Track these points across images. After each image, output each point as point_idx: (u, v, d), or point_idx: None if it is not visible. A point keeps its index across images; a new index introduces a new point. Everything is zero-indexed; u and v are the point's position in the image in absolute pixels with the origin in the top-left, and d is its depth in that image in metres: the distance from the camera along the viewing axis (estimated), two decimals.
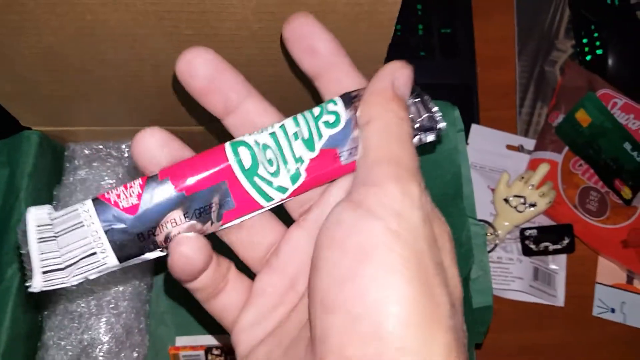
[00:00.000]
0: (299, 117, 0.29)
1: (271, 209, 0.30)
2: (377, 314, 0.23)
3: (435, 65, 0.79)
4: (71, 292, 0.53)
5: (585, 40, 0.79)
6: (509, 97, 0.81)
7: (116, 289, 0.54)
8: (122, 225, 0.27)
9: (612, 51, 0.78)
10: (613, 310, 0.74)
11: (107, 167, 0.56)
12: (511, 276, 0.72)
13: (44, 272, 0.27)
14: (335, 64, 0.30)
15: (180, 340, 0.62)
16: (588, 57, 0.79)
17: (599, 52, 0.78)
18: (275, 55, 0.42)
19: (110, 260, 0.27)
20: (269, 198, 0.29)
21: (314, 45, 0.29)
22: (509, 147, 0.77)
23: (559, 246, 0.73)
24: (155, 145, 0.29)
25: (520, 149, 0.77)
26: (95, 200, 0.27)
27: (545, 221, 0.75)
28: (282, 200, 0.29)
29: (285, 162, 0.28)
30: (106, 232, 0.27)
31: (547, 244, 0.72)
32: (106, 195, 0.27)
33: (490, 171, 0.76)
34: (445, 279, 0.25)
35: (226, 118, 0.31)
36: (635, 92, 0.78)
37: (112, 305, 0.54)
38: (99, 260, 0.27)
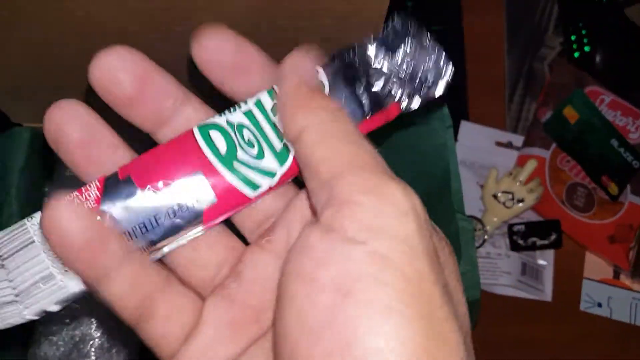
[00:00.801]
0: (276, 88, 0.24)
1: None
2: None
3: None
4: None
5: (573, 37, 0.80)
6: (498, 94, 0.81)
7: None
8: None
9: (600, 48, 0.79)
10: (600, 305, 0.75)
11: None
12: (499, 271, 0.73)
13: None
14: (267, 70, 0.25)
15: None
16: (576, 54, 0.80)
17: (586, 49, 0.79)
18: (266, 50, 0.43)
19: (70, 282, 0.22)
20: (254, 185, 0.24)
21: (243, 65, 0.25)
22: (498, 143, 0.78)
23: (546, 241, 0.73)
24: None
25: (509, 145, 0.78)
26: None
27: (533, 217, 0.75)
28: (271, 187, 0.24)
29: (267, 141, 0.24)
30: None
31: (534, 239, 0.73)
32: None
33: (479, 167, 0.76)
34: (454, 307, 0.19)
35: (159, 131, 0.25)
36: (623, 88, 0.79)
37: None
38: (57, 284, 0.22)
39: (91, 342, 0.53)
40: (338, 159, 0.20)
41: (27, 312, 0.22)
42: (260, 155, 0.24)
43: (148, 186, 0.23)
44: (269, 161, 0.24)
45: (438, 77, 0.25)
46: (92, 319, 0.53)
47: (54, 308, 0.22)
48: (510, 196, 0.72)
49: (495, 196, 0.73)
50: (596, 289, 0.75)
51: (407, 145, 0.54)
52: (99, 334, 0.53)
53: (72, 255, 0.21)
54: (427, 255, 0.19)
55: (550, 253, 0.75)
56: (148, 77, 0.24)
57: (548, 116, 0.77)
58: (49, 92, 0.49)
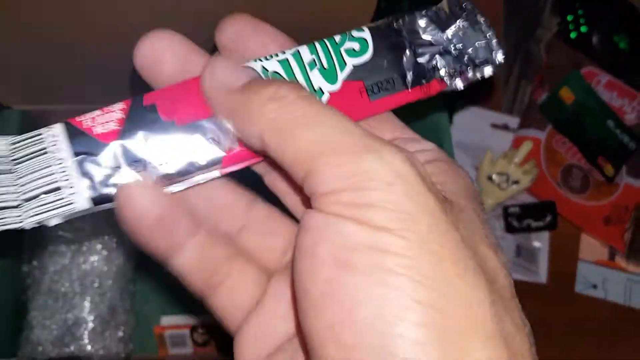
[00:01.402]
0: (317, 43, 0.23)
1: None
2: (378, 339, 0.17)
3: None
4: (55, 272, 0.53)
5: (569, 18, 0.79)
6: (494, 76, 0.80)
7: (101, 268, 0.54)
8: (97, 157, 0.22)
9: (596, 29, 0.78)
10: (595, 287, 0.75)
11: None
12: None
13: None
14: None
15: (166, 320, 0.62)
16: (573, 35, 0.79)
17: (583, 29, 0.78)
18: None
19: (78, 199, 0.21)
20: None
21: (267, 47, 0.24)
22: (494, 125, 0.78)
23: (541, 223, 0.73)
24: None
25: (504, 127, 0.78)
26: (66, 124, 0.22)
27: (528, 198, 0.75)
28: None
29: None
30: (77, 162, 0.22)
31: (529, 221, 0.73)
32: (78, 119, 0.22)
33: (474, 149, 0.76)
34: (480, 261, 0.19)
35: None
36: (619, 69, 0.78)
37: (97, 285, 0.54)
38: (63, 198, 0.21)
39: (84, 326, 0.53)
40: (304, 154, 0.19)
41: (27, 220, 0.21)
42: None
43: (171, 118, 0.22)
44: None
45: (487, 59, 0.25)
46: (85, 303, 0.53)
47: (55, 220, 0.22)
48: (505, 178, 0.72)
49: (490, 178, 0.73)
50: (591, 271, 0.75)
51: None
52: (92, 318, 0.53)
53: (147, 232, 0.22)
54: (427, 215, 0.18)
55: (545, 235, 0.75)
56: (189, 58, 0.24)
57: (544, 97, 0.76)
58: (39, 75, 0.48)
